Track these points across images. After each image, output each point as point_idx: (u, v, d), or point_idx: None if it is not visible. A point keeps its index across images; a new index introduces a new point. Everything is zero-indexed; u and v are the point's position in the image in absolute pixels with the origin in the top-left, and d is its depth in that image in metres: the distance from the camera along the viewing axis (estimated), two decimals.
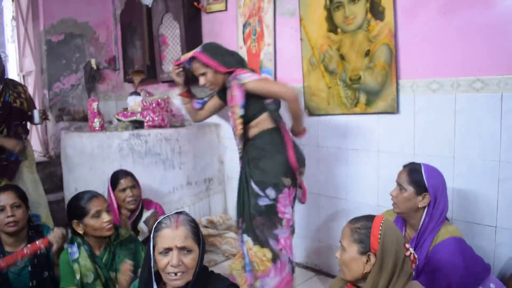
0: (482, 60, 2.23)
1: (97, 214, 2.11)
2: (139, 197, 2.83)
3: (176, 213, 1.58)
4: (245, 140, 2.50)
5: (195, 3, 3.68)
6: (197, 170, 3.52)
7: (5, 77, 3.19)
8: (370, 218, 1.56)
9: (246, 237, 2.44)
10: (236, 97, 2.37)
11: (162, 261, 1.49)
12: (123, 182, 2.78)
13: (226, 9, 3.56)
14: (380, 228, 1.50)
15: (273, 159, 2.40)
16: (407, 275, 1.50)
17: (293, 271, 2.52)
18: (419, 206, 2.00)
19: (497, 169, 2.24)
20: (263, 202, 2.40)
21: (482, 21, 2.21)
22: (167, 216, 1.56)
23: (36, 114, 3.20)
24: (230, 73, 2.40)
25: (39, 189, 3.37)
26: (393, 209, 2.10)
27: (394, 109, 2.58)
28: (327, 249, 3.09)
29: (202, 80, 2.44)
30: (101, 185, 3.11)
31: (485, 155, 2.27)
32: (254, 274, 2.43)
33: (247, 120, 2.43)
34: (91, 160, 3.27)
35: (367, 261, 1.50)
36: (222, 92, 2.53)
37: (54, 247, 2.16)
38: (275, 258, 2.40)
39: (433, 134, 2.45)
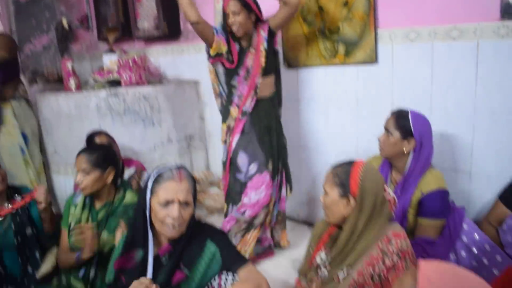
0: (459, 8, 2.23)
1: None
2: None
3: (177, 167, 1.61)
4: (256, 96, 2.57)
5: None
6: (177, 127, 3.51)
7: None
8: (350, 163, 1.62)
9: (285, 188, 2.75)
10: (261, 35, 2.50)
11: (162, 212, 1.52)
12: (98, 140, 2.73)
13: None
14: (360, 171, 1.56)
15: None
16: (386, 216, 1.56)
17: None
18: (405, 150, 2.08)
19: (472, 117, 2.29)
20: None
21: None
22: (169, 168, 1.59)
23: None
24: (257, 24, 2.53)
25: (15, 158, 3.22)
26: (380, 153, 2.19)
27: (372, 59, 2.58)
28: (310, 200, 3.16)
29: (232, 19, 2.42)
30: (81, 146, 3.08)
31: (461, 103, 2.31)
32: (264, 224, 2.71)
33: (265, 71, 2.54)
34: (69, 121, 3.24)
35: (347, 203, 1.55)
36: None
37: (42, 205, 2.16)
38: None
39: (411, 84, 2.48)
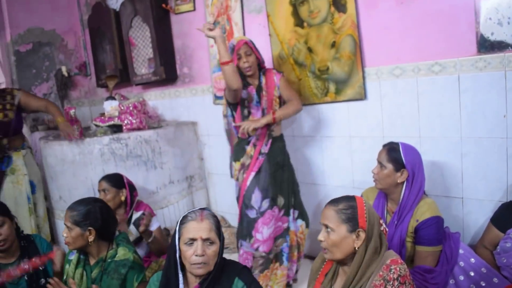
0: (439, 45, 2.40)
1: None
2: (111, 200, 2.75)
3: (200, 208, 1.72)
4: (271, 137, 2.74)
5: (163, 5, 3.74)
6: (178, 169, 3.61)
7: None
8: (350, 198, 1.69)
9: (300, 222, 2.83)
10: (274, 81, 2.73)
11: (188, 251, 1.62)
12: (98, 186, 2.83)
13: (194, 9, 3.64)
14: (364, 205, 1.65)
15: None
16: (385, 245, 1.66)
17: None
18: (398, 181, 2.18)
19: (459, 145, 2.42)
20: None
21: (436, 9, 2.37)
22: (192, 210, 1.71)
23: None
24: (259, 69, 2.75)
25: (21, 207, 3.18)
26: (375, 185, 2.27)
27: (362, 96, 2.73)
28: (311, 233, 3.23)
29: (244, 59, 2.64)
30: (86, 191, 3.18)
31: (447, 132, 2.45)
32: (292, 258, 2.81)
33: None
34: (73, 167, 3.32)
35: (356, 237, 1.63)
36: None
37: (57, 266, 2.22)
38: None
39: (399, 117, 2.62)
